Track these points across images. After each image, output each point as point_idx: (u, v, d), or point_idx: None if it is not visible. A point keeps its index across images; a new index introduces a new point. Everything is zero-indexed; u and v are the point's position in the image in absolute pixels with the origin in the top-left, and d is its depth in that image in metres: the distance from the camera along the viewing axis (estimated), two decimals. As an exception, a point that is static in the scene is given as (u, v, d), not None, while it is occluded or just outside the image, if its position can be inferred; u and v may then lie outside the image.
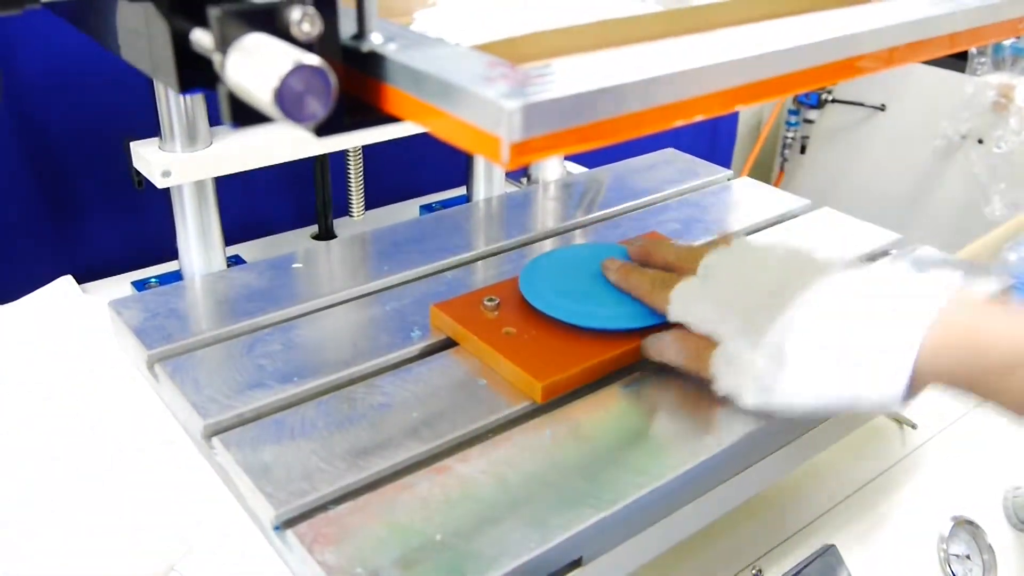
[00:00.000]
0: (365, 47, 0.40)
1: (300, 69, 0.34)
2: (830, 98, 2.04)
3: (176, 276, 0.88)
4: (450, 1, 0.61)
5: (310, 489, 0.51)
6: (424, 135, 0.48)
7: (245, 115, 0.37)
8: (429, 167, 1.22)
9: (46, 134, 1.05)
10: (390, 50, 0.39)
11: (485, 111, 0.35)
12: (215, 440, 0.56)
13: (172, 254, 0.96)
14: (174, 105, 0.91)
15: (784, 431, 0.61)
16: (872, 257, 0.82)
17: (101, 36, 0.52)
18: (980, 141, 1.92)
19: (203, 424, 0.57)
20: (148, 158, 0.91)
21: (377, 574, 0.46)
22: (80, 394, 0.81)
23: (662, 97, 0.40)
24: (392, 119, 0.41)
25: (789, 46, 0.45)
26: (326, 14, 0.38)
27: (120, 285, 0.97)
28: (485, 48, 0.46)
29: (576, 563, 0.50)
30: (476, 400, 0.59)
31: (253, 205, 1.08)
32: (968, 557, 0.81)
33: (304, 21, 0.37)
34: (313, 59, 0.35)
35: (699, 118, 0.44)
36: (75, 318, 0.93)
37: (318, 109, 0.35)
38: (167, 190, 0.89)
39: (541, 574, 0.49)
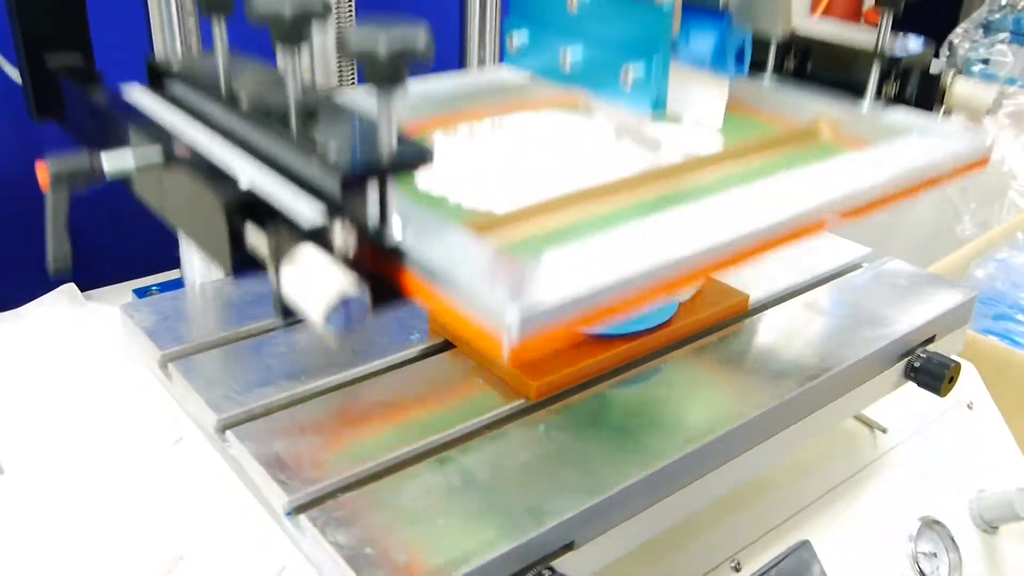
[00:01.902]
0: (389, 242, 0.48)
1: (345, 300, 0.42)
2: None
3: (177, 284, 0.91)
4: (449, 146, 0.73)
5: (320, 478, 0.55)
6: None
7: (289, 313, 0.46)
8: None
9: (47, 135, 1.08)
10: (408, 241, 0.48)
11: (490, 316, 0.44)
12: (229, 433, 0.59)
13: (172, 263, 0.99)
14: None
15: (765, 427, 0.65)
16: (845, 270, 0.87)
17: (155, 204, 0.59)
18: (951, 163, 1.98)
19: (217, 419, 0.60)
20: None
21: (386, 554, 0.50)
22: (89, 395, 0.84)
23: (638, 287, 0.49)
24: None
25: (758, 226, 0.54)
26: (359, 222, 0.46)
27: (122, 293, 1.00)
28: (485, 226, 0.58)
29: (568, 547, 0.54)
30: (473, 397, 0.63)
31: None
32: (935, 555, 0.85)
33: (344, 238, 0.45)
34: (354, 288, 0.42)
35: (667, 296, 0.50)
36: (80, 322, 0.96)
37: (356, 326, 0.43)
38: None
39: (536, 556, 0.52)
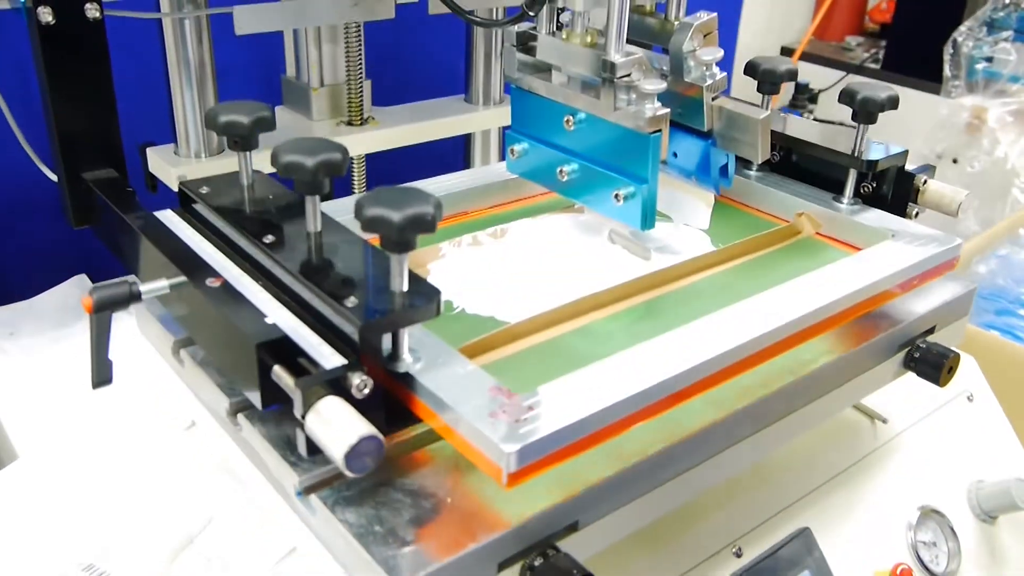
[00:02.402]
0: (400, 368, 0.56)
1: (362, 442, 0.48)
2: (811, 117, 2.11)
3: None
4: (454, 254, 0.79)
5: (329, 459, 0.56)
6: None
7: (315, 450, 0.51)
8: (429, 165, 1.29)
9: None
10: (417, 370, 0.55)
11: (490, 449, 0.50)
12: (240, 417, 0.60)
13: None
14: (190, 116, 0.96)
15: (767, 414, 0.66)
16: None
17: (184, 323, 0.66)
18: (955, 161, 2.00)
19: (229, 402, 0.61)
20: (164, 163, 0.97)
21: (393, 531, 0.51)
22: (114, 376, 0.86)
23: (622, 415, 0.55)
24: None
25: (719, 350, 0.61)
26: (374, 363, 0.53)
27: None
28: (486, 343, 0.65)
29: (572, 527, 0.55)
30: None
31: None
32: (935, 544, 0.87)
33: (361, 385, 0.51)
34: (369, 432, 0.48)
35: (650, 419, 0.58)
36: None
37: (372, 464, 0.48)
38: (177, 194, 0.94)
39: (540, 536, 0.54)
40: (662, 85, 0.70)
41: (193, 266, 0.63)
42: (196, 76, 0.94)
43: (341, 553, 0.52)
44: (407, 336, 0.56)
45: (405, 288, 0.54)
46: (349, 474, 0.48)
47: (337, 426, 0.48)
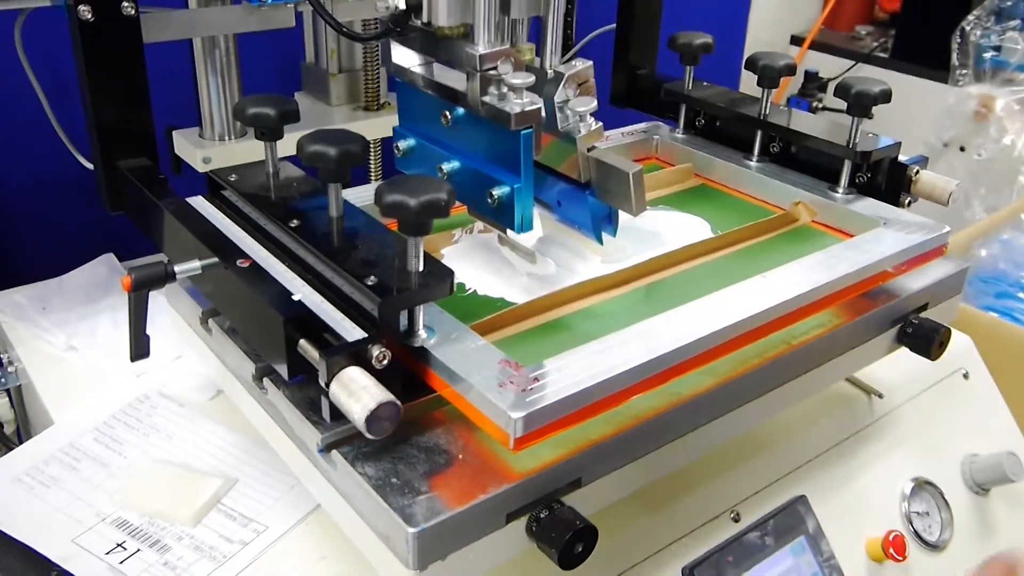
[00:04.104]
0: (416, 343, 0.60)
1: (381, 407, 0.52)
2: (820, 106, 2.13)
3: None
4: (467, 240, 0.83)
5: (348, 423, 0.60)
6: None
7: (338, 415, 0.56)
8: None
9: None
10: (431, 344, 0.60)
11: (499, 415, 0.54)
12: (266, 380, 0.64)
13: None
14: (215, 99, 1.00)
15: (764, 382, 0.70)
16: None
17: (215, 300, 0.71)
18: (962, 149, 2.01)
19: (255, 367, 0.65)
20: (189, 146, 1.01)
21: (409, 483, 0.55)
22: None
23: (619, 388, 0.59)
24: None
25: (717, 326, 0.64)
26: (392, 331, 0.57)
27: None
28: (497, 320, 0.69)
29: (576, 483, 0.59)
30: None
31: None
32: (927, 514, 0.90)
33: (380, 356, 0.55)
34: (388, 398, 0.52)
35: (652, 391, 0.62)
36: (119, 288, 1.01)
37: (390, 428, 0.53)
38: (202, 176, 0.98)
39: (546, 490, 0.57)
40: (531, 79, 0.67)
41: (223, 248, 0.67)
42: (221, 63, 0.97)
43: (360, 504, 0.56)
44: (422, 313, 0.60)
45: (420, 269, 0.58)
46: (369, 437, 0.52)
47: (358, 393, 0.52)
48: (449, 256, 0.81)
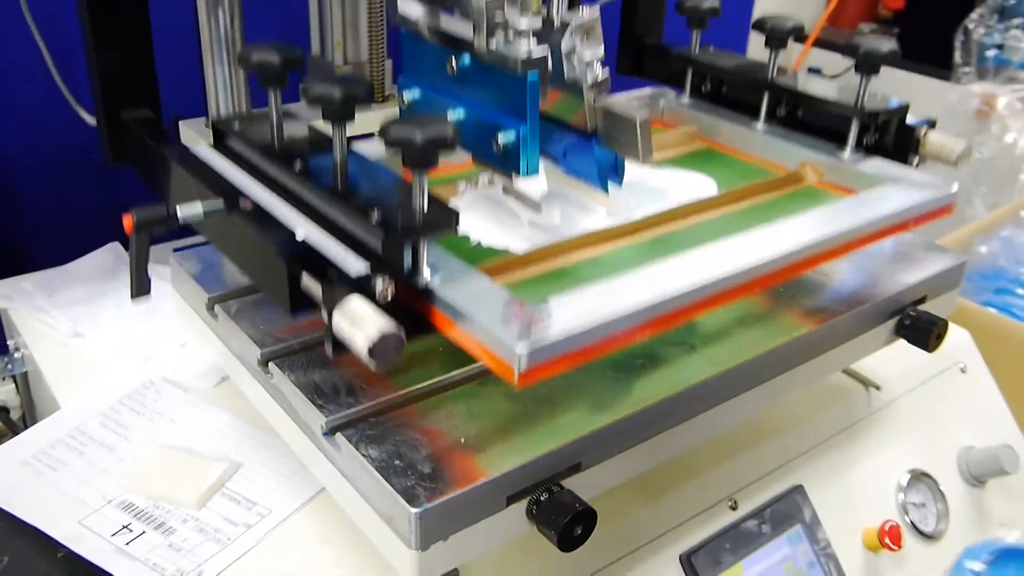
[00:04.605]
0: (419, 284, 0.59)
1: (385, 337, 0.51)
2: (823, 103, 2.14)
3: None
4: (471, 192, 0.82)
5: (353, 403, 0.61)
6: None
7: (339, 348, 0.55)
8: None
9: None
10: (436, 285, 0.59)
11: (503, 349, 0.54)
12: (271, 365, 0.65)
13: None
14: (221, 87, 1.01)
15: (763, 371, 0.71)
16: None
17: (218, 244, 0.71)
18: (964, 146, 2.02)
19: (260, 352, 0.66)
20: (196, 135, 1.01)
21: (412, 466, 0.56)
22: (141, 338, 0.91)
23: (624, 328, 0.58)
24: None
25: (723, 272, 0.63)
26: (396, 270, 0.57)
27: (163, 252, 1.06)
28: (501, 266, 0.68)
29: (576, 467, 0.60)
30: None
31: None
32: (924, 505, 0.91)
33: (384, 288, 0.55)
34: (392, 327, 0.51)
35: (656, 335, 0.61)
36: (127, 275, 1.02)
37: (394, 357, 0.52)
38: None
39: (546, 473, 0.58)
40: (538, 21, 0.67)
41: (227, 191, 0.67)
42: (228, 53, 0.98)
43: (364, 486, 0.57)
44: (426, 253, 0.59)
45: (426, 206, 0.57)
46: (372, 366, 0.51)
47: (361, 321, 0.52)
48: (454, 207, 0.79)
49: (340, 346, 0.55)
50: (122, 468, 0.75)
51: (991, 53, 2.00)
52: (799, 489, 0.82)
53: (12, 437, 0.80)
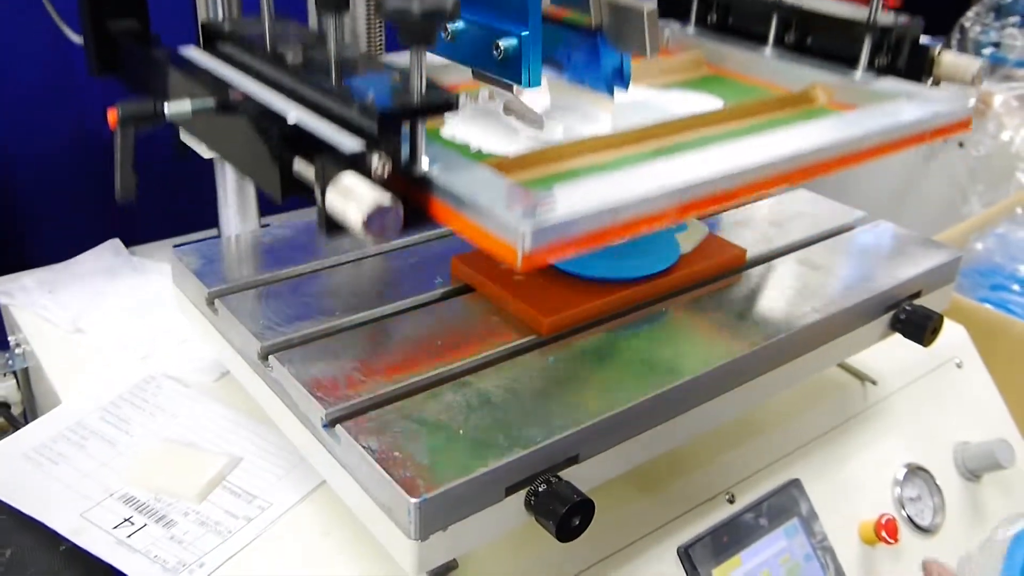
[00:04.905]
0: (417, 172, 0.57)
1: (380, 209, 0.50)
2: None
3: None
4: (472, 106, 0.79)
5: (353, 395, 0.62)
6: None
7: (334, 228, 0.53)
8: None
9: (96, 113, 1.15)
10: (435, 174, 0.57)
11: (506, 230, 0.53)
12: (271, 358, 0.66)
13: (209, 223, 1.06)
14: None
15: (758, 365, 0.71)
16: (839, 231, 0.92)
17: (208, 143, 0.69)
18: (960, 144, 2.02)
19: (260, 346, 0.67)
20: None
21: (411, 457, 0.56)
22: (142, 333, 0.92)
23: (629, 215, 0.57)
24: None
25: (730, 168, 0.62)
26: (393, 155, 0.54)
27: (162, 248, 1.07)
28: (502, 166, 0.64)
29: (573, 459, 0.60)
30: (491, 332, 0.70)
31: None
32: (920, 499, 0.91)
33: (380, 165, 0.53)
34: (387, 199, 0.50)
35: (659, 227, 0.60)
36: (127, 271, 1.03)
37: (392, 233, 0.51)
38: (207, 164, 0.99)
39: (543, 465, 0.59)
40: None
41: (217, 86, 0.65)
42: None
43: (364, 477, 0.58)
44: (424, 142, 0.57)
45: (424, 87, 0.55)
46: (369, 241, 0.50)
47: (355, 194, 0.50)
48: (452, 121, 0.77)
49: (335, 227, 0.53)
50: (123, 462, 0.76)
51: (987, 51, 2.01)
52: (796, 483, 0.83)
53: (13, 432, 0.81)
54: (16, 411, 0.98)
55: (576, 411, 0.61)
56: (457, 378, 0.65)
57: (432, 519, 0.54)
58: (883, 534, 0.83)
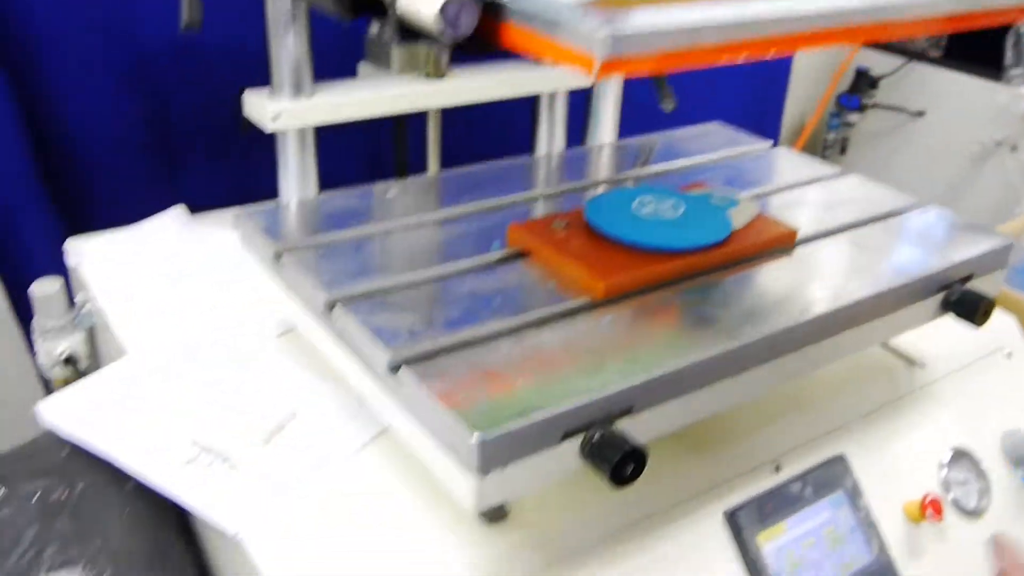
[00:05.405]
0: None
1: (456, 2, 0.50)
2: (871, 103, 2.14)
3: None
4: None
5: (415, 343, 0.64)
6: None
7: (407, 35, 0.53)
8: (496, 134, 1.35)
9: (164, 91, 1.19)
10: None
11: (583, 38, 0.51)
12: (337, 307, 0.68)
13: (269, 196, 1.09)
14: (285, 58, 1.04)
15: (808, 335, 0.73)
16: (890, 215, 0.93)
17: None
18: (1013, 148, 2.01)
19: (326, 297, 0.69)
20: (260, 105, 1.05)
21: (473, 398, 0.58)
22: (204, 293, 0.95)
23: (710, 38, 0.56)
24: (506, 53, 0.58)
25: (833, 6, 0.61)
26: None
27: (224, 216, 1.10)
28: None
29: (628, 411, 0.62)
30: (547, 293, 0.72)
31: (333, 166, 1.19)
32: (965, 483, 0.92)
33: None
34: None
35: (743, 58, 0.57)
36: (193, 235, 1.07)
37: (468, 25, 0.50)
38: (268, 139, 1.02)
39: (600, 414, 0.60)
40: None
41: None
42: (292, 28, 1.01)
43: (427, 417, 0.60)
44: None
45: None
46: (444, 35, 0.50)
47: None
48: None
49: (408, 34, 0.54)
50: (188, 407, 0.78)
51: (1043, 54, 1.99)
52: (841, 458, 0.84)
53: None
54: (83, 367, 1.01)
55: (632, 365, 0.63)
56: (515, 333, 0.67)
57: (493, 456, 0.56)
58: (929, 512, 0.83)
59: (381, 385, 0.65)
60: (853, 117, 2.18)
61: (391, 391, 0.63)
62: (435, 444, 0.59)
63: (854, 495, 0.82)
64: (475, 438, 0.55)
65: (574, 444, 0.60)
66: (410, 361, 0.62)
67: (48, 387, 1.09)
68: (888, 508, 0.84)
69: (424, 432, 0.60)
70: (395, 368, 0.62)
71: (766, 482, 0.79)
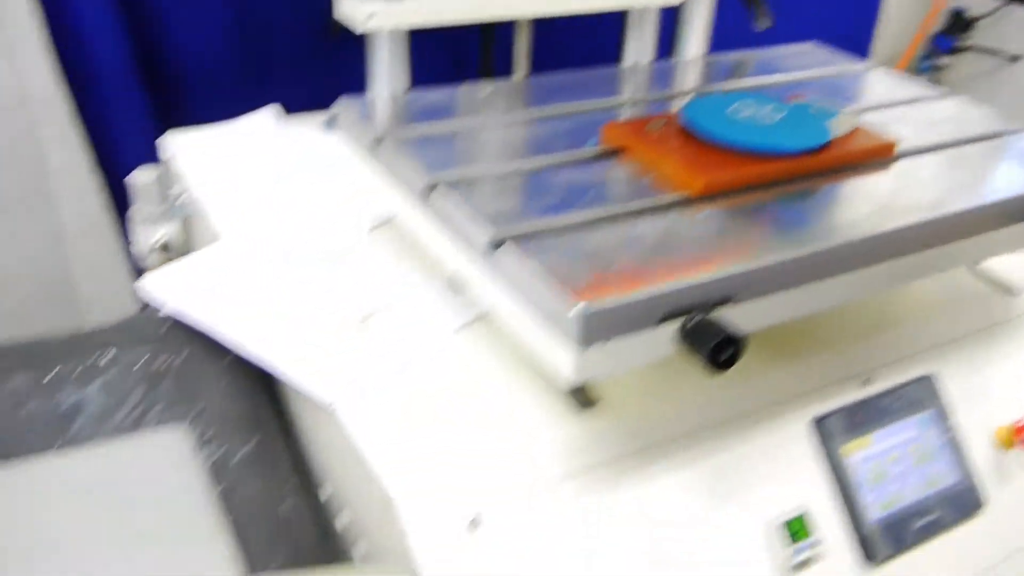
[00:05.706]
0: None
1: None
2: (966, 45, 2.07)
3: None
4: None
5: (515, 222, 0.64)
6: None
7: None
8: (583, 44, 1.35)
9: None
10: None
11: None
12: (440, 187, 0.69)
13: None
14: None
15: (898, 244, 0.71)
16: (994, 136, 0.90)
17: None
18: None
19: (428, 179, 0.70)
20: (353, 4, 1.05)
21: (575, 274, 0.59)
22: (296, 187, 0.96)
23: None
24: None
25: None
26: None
27: (315, 120, 1.12)
28: None
29: (726, 299, 0.62)
30: (643, 188, 0.72)
31: (416, 70, 1.18)
32: (1058, 414, 0.89)
33: None
34: None
35: None
36: (286, 134, 1.08)
37: None
38: (358, 44, 1.02)
39: (699, 300, 0.60)
40: None
41: None
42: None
43: (530, 290, 0.60)
44: None
45: None
46: None
47: None
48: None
49: None
50: (281, 289, 0.80)
51: None
52: (932, 378, 0.82)
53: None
54: (175, 257, 1.04)
55: (732, 255, 0.63)
56: (613, 220, 0.67)
57: (594, 329, 0.56)
58: (1021, 438, 0.82)
59: (481, 264, 0.65)
60: (945, 60, 2.10)
61: (492, 268, 0.64)
62: (536, 318, 0.60)
63: (942, 415, 0.81)
64: (580, 308, 0.55)
65: (671, 328, 0.60)
66: (513, 238, 0.63)
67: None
68: (978, 431, 0.83)
69: (525, 307, 0.61)
70: (497, 244, 0.63)
71: (855, 394, 0.78)
